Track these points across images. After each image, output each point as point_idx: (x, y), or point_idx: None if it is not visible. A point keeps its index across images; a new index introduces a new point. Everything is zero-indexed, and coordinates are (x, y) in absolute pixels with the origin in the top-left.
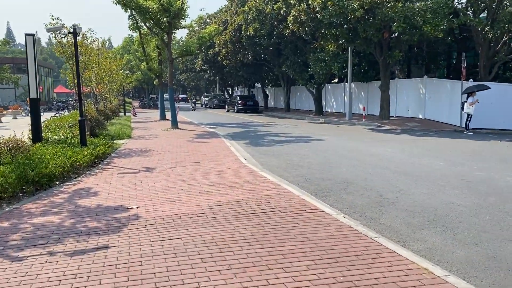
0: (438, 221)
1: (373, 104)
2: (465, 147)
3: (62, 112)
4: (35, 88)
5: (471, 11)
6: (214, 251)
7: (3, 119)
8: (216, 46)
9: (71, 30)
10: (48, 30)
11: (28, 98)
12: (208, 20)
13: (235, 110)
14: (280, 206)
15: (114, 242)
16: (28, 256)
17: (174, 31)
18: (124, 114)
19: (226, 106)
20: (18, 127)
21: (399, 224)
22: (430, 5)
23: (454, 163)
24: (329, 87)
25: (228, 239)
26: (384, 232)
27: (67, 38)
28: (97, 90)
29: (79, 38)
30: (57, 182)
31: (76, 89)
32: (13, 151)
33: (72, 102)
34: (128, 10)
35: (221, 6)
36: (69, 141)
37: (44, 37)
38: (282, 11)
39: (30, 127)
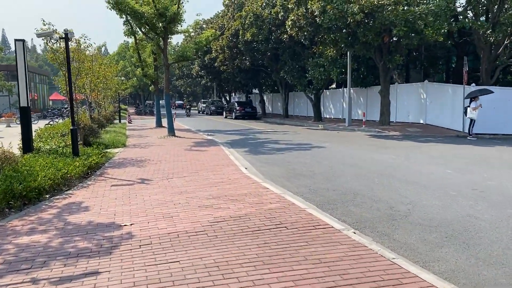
0: (456, 237)
1: (373, 110)
2: (471, 154)
3: (57, 120)
4: (26, 96)
5: (471, 14)
6: (217, 277)
7: None
8: (213, 51)
9: (63, 36)
10: (39, 36)
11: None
12: (204, 26)
13: (233, 117)
14: (286, 222)
15: (105, 267)
16: (8, 285)
17: (170, 36)
18: (119, 121)
19: (224, 113)
20: (10, 136)
21: (415, 241)
22: (432, 8)
23: (462, 171)
24: (328, 92)
25: (231, 262)
26: (400, 251)
27: (59, 44)
28: (91, 97)
29: (73, 44)
30: (47, 196)
31: (69, 96)
32: (0, 162)
33: (66, 110)
34: (123, 16)
35: (218, 12)
36: (61, 151)
37: (39, 44)
38: (280, 16)
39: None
